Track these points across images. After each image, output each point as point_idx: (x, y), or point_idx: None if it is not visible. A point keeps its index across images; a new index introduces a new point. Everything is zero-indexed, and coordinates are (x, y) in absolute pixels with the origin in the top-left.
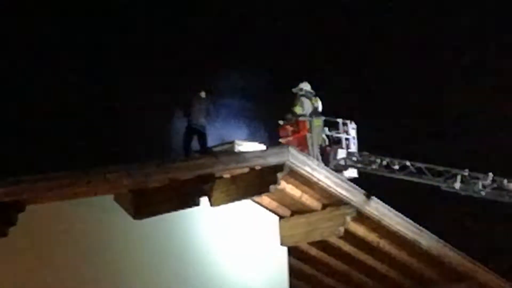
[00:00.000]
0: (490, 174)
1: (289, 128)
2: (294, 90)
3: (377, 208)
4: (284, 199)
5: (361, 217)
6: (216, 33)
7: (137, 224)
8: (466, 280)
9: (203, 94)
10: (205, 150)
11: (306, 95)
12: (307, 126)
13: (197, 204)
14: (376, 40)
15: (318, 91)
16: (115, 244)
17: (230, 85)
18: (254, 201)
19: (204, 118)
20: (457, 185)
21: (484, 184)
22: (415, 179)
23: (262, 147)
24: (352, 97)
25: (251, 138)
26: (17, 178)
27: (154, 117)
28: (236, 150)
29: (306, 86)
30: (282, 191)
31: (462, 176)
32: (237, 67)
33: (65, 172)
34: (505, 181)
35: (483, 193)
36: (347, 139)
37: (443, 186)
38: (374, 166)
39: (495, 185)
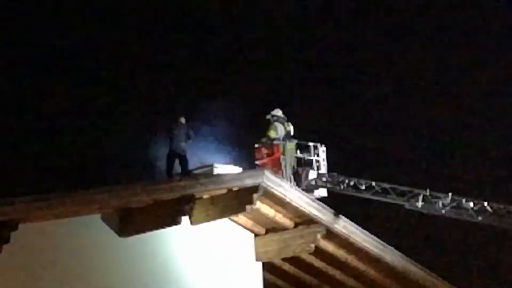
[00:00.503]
0: (450, 194)
1: (264, 151)
2: (267, 116)
3: (345, 226)
4: (259, 218)
5: (330, 234)
6: (196, 65)
7: (123, 241)
8: None
9: (183, 120)
10: (186, 173)
11: (279, 120)
12: (281, 149)
13: (178, 223)
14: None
15: (289, 116)
16: (103, 260)
17: (208, 112)
18: (231, 219)
19: (185, 142)
20: (419, 204)
21: (444, 203)
22: (380, 199)
23: (239, 169)
24: (322, 120)
25: (229, 161)
26: (11, 199)
27: (138, 140)
28: (214, 172)
29: (278, 112)
30: (258, 210)
31: (424, 195)
32: (214, 96)
33: (56, 193)
34: (463, 200)
35: (443, 211)
36: (317, 161)
37: (407, 205)
38: (342, 186)
39: (454, 204)
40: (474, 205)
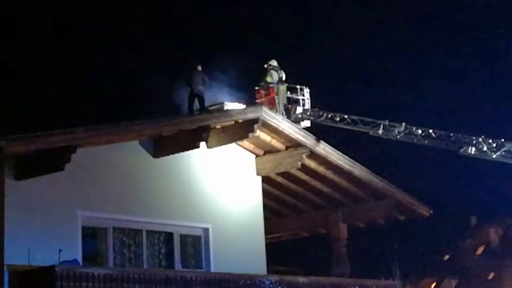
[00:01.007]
0: (403, 124)
1: (262, 92)
2: (265, 65)
3: (324, 148)
4: (258, 143)
5: (313, 155)
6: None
7: (156, 161)
8: (387, 198)
9: (199, 68)
10: (203, 109)
11: (274, 68)
12: (275, 91)
13: (197, 147)
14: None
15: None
16: (140, 175)
17: (221, 63)
18: (237, 144)
19: (202, 85)
20: (380, 131)
21: (399, 130)
22: (350, 128)
23: (243, 106)
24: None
25: (235, 100)
26: (72, 128)
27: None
28: (225, 108)
29: (273, 62)
30: (257, 137)
31: (384, 125)
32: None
33: (105, 124)
34: (414, 128)
35: (398, 137)
36: (303, 99)
37: (371, 132)
38: (322, 119)
39: (407, 131)
40: (422, 132)
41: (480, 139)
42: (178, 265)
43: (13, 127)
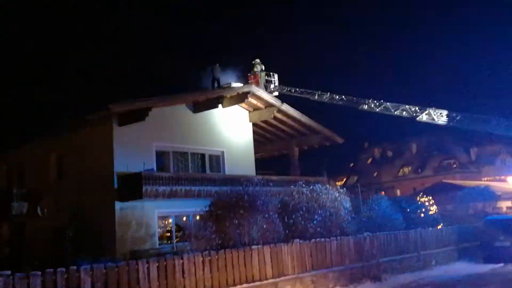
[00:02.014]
0: (328, 93)
1: (252, 77)
2: (253, 62)
3: (286, 107)
4: (250, 104)
5: (280, 111)
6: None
7: (194, 114)
8: (320, 133)
9: (217, 64)
10: (219, 86)
11: (258, 63)
12: (259, 76)
13: (217, 107)
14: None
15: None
16: (187, 122)
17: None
18: (239, 105)
19: (218, 74)
20: (316, 97)
21: (326, 96)
22: (303, 96)
23: (241, 84)
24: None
25: (237, 81)
26: (149, 98)
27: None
28: (231, 86)
29: (257, 60)
30: (250, 101)
31: (317, 93)
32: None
33: (167, 95)
34: (334, 95)
35: (340, 102)
36: (274, 80)
37: (311, 98)
38: (284, 91)
39: (330, 96)
40: (338, 96)
41: (370, 100)
42: (208, 171)
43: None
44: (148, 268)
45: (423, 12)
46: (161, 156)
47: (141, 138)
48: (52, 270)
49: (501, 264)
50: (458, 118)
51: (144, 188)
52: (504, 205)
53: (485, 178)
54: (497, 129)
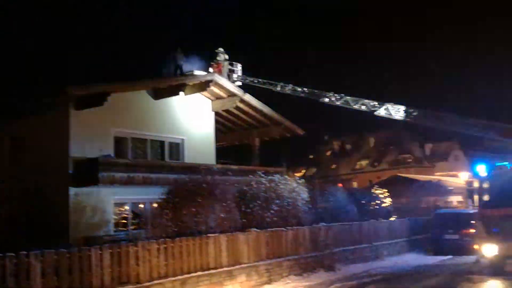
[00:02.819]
0: (290, 84)
1: (215, 65)
2: (216, 50)
3: (248, 97)
4: (212, 93)
5: (242, 100)
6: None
7: (155, 101)
8: (281, 124)
9: (179, 50)
10: (182, 73)
11: (221, 52)
12: (222, 65)
13: (178, 94)
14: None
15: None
16: (146, 109)
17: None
18: (201, 94)
19: (182, 61)
20: (278, 88)
21: (288, 88)
22: (265, 86)
23: (205, 73)
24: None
25: (200, 69)
26: (108, 82)
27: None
28: (194, 74)
29: (221, 49)
30: (212, 89)
31: (281, 85)
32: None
33: (127, 81)
34: (296, 87)
35: (302, 94)
36: (237, 70)
37: (273, 89)
38: (247, 81)
39: (292, 88)
40: (299, 87)
41: (331, 93)
42: (167, 158)
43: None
44: (101, 255)
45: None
46: (119, 142)
47: (99, 123)
48: (1, 255)
49: (450, 256)
50: (414, 114)
51: (100, 174)
52: (455, 199)
53: (438, 173)
54: (451, 126)
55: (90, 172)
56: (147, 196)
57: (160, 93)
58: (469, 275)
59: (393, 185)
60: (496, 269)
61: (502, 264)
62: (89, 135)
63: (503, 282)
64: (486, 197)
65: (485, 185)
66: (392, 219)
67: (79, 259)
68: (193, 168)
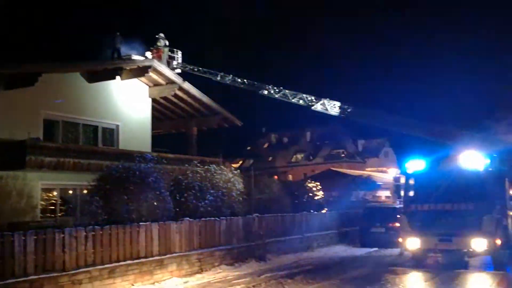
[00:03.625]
0: (230, 75)
1: (155, 51)
2: (157, 36)
3: (187, 85)
4: (151, 79)
5: (181, 88)
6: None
7: (90, 84)
8: (219, 114)
9: (118, 33)
10: (119, 57)
11: (161, 38)
12: (162, 51)
13: (115, 78)
14: None
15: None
16: (81, 91)
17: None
18: (139, 79)
19: (120, 44)
20: (218, 78)
21: (228, 78)
22: (205, 75)
23: (143, 58)
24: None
25: (138, 54)
26: (41, 62)
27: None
28: (132, 58)
29: (161, 35)
30: (150, 76)
31: (221, 75)
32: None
33: (61, 62)
34: (236, 78)
35: (241, 85)
36: (177, 57)
37: (218, 79)
38: (186, 69)
39: (232, 79)
40: (240, 79)
41: (270, 86)
42: (100, 144)
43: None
44: (24, 241)
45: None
46: (50, 125)
47: (29, 105)
48: None
49: (376, 249)
50: (349, 110)
51: (27, 158)
52: (383, 194)
53: (369, 169)
54: (382, 123)
55: (16, 155)
56: (78, 182)
57: (95, 77)
58: (392, 267)
59: (326, 178)
60: (418, 262)
61: (423, 257)
62: (17, 116)
63: (424, 274)
64: (411, 193)
65: (411, 181)
66: (323, 211)
67: (0, 244)
68: (127, 155)
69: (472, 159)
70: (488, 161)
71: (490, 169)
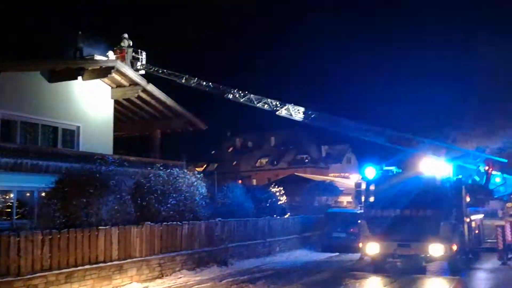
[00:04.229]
0: (196, 78)
1: (118, 52)
2: (121, 36)
3: (151, 87)
4: (113, 80)
5: (145, 90)
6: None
7: (50, 84)
8: (184, 117)
9: (81, 34)
10: (82, 57)
11: (125, 38)
12: (125, 51)
13: (76, 78)
14: None
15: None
16: (42, 91)
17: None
18: (102, 80)
19: (82, 44)
20: (183, 80)
21: (193, 81)
22: (167, 77)
23: (106, 58)
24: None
25: (101, 54)
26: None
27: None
28: (95, 58)
29: (125, 35)
30: (113, 77)
31: (185, 77)
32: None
33: (20, 60)
34: (201, 80)
35: (193, 85)
36: (142, 58)
37: (177, 81)
38: (151, 70)
39: (197, 82)
40: (204, 81)
41: (235, 90)
42: (60, 146)
43: None
44: None
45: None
46: (7, 125)
47: None
48: None
49: (337, 253)
50: (313, 116)
51: None
52: (345, 199)
53: (332, 174)
54: (345, 130)
55: None
56: (36, 185)
57: (56, 76)
58: (353, 272)
59: (290, 183)
60: (377, 267)
61: (383, 262)
62: None
63: (383, 279)
64: (371, 199)
65: (372, 187)
66: (286, 216)
67: None
68: (88, 157)
69: (431, 167)
70: (446, 168)
71: (448, 176)
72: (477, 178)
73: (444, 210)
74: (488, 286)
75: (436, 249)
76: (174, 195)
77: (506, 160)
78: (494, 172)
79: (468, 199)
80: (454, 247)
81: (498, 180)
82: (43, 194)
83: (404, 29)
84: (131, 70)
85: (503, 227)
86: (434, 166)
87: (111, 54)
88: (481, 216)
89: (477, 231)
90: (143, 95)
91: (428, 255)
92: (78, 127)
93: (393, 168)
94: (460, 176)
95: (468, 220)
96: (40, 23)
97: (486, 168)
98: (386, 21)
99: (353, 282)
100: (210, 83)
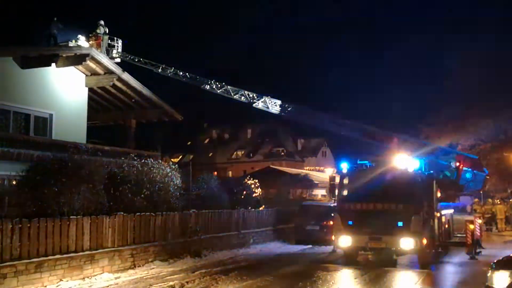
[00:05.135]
0: (172, 67)
1: (94, 38)
2: (97, 23)
3: (127, 76)
4: (88, 68)
5: (120, 79)
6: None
7: (23, 71)
8: (160, 107)
9: (55, 19)
10: (56, 44)
11: (101, 25)
12: (101, 38)
13: (50, 65)
14: None
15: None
16: (13, 78)
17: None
18: (76, 67)
19: (56, 30)
20: (160, 70)
21: (170, 71)
22: (145, 66)
23: (80, 45)
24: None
25: (76, 41)
26: None
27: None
28: (69, 45)
29: (101, 22)
30: (88, 65)
31: (162, 67)
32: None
33: None
34: (178, 70)
35: (170, 74)
36: (118, 46)
37: (154, 70)
38: (127, 59)
39: (174, 72)
40: (182, 72)
41: (212, 81)
42: (32, 133)
43: None
44: None
45: None
46: None
47: None
48: None
49: (310, 246)
50: (289, 109)
51: None
52: (320, 192)
53: (307, 168)
54: (321, 124)
55: None
56: (6, 172)
57: (29, 63)
58: (325, 264)
59: (266, 176)
60: (349, 259)
61: (354, 254)
62: None
63: (354, 271)
64: (345, 192)
65: (345, 181)
66: (261, 208)
67: None
68: (60, 146)
69: (403, 161)
70: (418, 163)
71: (420, 171)
72: (448, 174)
73: (415, 205)
74: (456, 279)
75: (406, 243)
76: (148, 186)
77: (476, 157)
78: (465, 168)
79: (439, 194)
80: (425, 241)
81: (468, 176)
82: (14, 182)
83: (381, 27)
84: (106, 58)
85: (472, 222)
86: (406, 161)
87: (82, 40)
88: (451, 211)
89: (447, 226)
90: (118, 84)
91: (399, 249)
92: (51, 115)
93: (366, 162)
94: (431, 172)
95: (438, 214)
96: (13, 8)
97: (457, 164)
98: (358, 13)
99: (324, 275)
100: (187, 73)
